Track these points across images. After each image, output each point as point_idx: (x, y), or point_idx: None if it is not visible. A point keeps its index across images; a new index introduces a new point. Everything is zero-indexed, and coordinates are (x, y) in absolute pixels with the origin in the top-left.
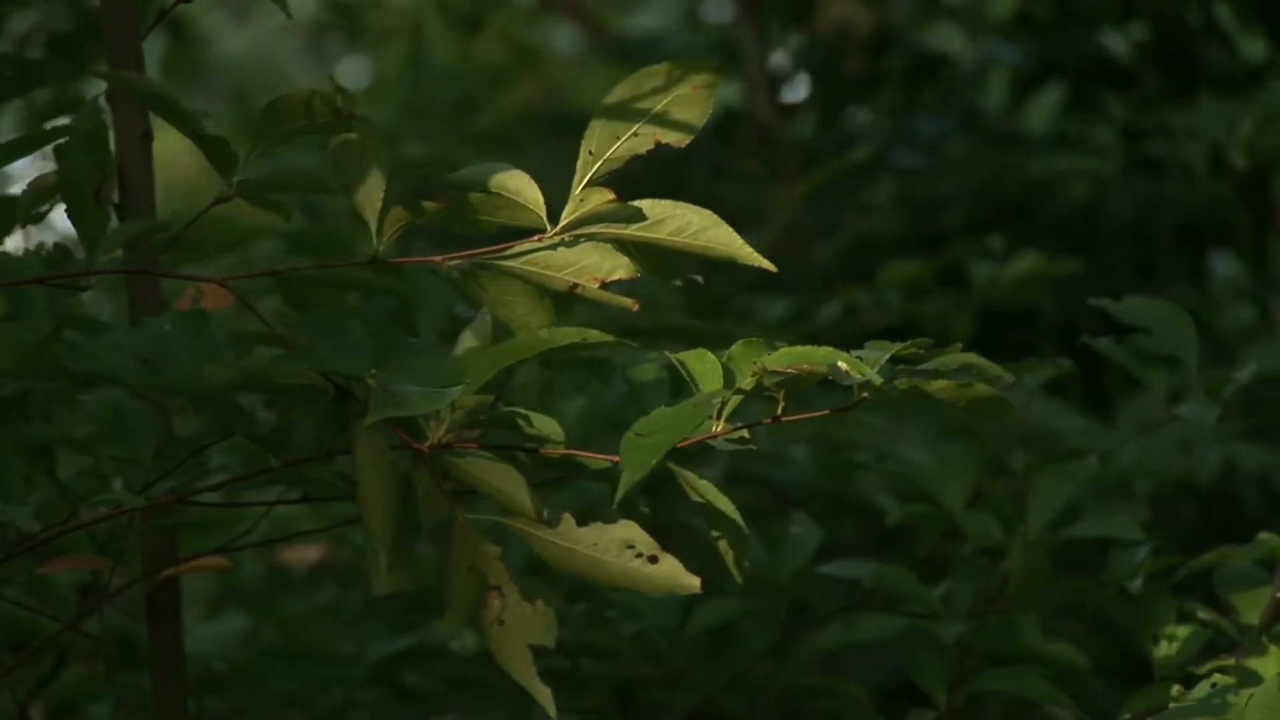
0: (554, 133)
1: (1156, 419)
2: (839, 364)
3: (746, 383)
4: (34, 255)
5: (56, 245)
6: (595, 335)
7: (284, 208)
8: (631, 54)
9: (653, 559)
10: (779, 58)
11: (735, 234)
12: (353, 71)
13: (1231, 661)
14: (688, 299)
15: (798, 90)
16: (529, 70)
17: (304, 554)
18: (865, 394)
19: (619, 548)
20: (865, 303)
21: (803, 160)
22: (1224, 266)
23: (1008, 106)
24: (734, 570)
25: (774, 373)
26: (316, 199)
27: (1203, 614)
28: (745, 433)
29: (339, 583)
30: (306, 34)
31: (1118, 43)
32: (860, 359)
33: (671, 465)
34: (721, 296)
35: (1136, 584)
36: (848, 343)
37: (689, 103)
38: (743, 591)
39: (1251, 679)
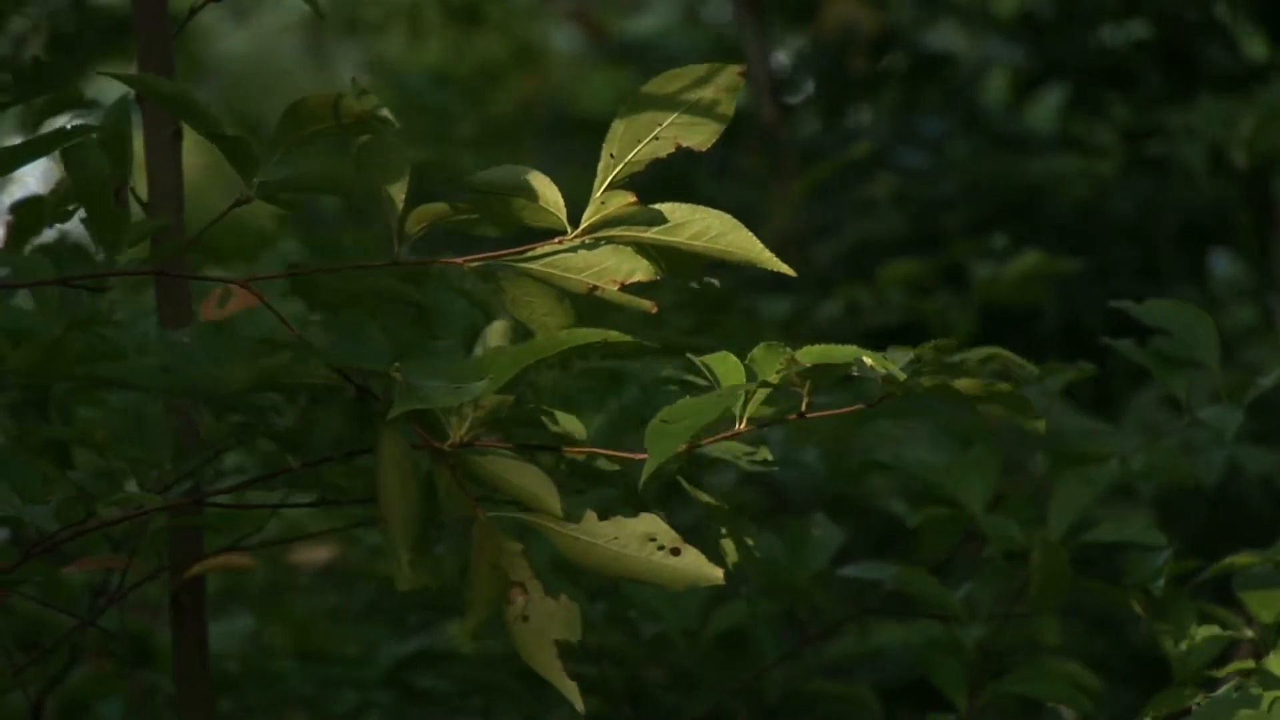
0: (553, 131)
1: (1160, 420)
2: (864, 359)
3: (772, 376)
4: (49, 253)
5: (74, 245)
6: (616, 336)
7: (301, 208)
8: (632, 55)
9: (675, 551)
10: (780, 58)
11: (755, 238)
12: (351, 70)
13: (1253, 664)
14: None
15: (799, 90)
16: (527, 67)
17: (314, 554)
18: (891, 389)
19: (640, 541)
20: (867, 301)
21: (804, 160)
22: (1224, 266)
23: (1009, 106)
24: (732, 562)
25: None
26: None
27: (1223, 617)
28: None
29: (345, 584)
30: (306, 33)
31: (1119, 40)
32: (884, 356)
33: (674, 468)
34: (724, 295)
35: (1159, 587)
36: (851, 341)
37: (712, 105)
38: (761, 593)
39: (1273, 682)
